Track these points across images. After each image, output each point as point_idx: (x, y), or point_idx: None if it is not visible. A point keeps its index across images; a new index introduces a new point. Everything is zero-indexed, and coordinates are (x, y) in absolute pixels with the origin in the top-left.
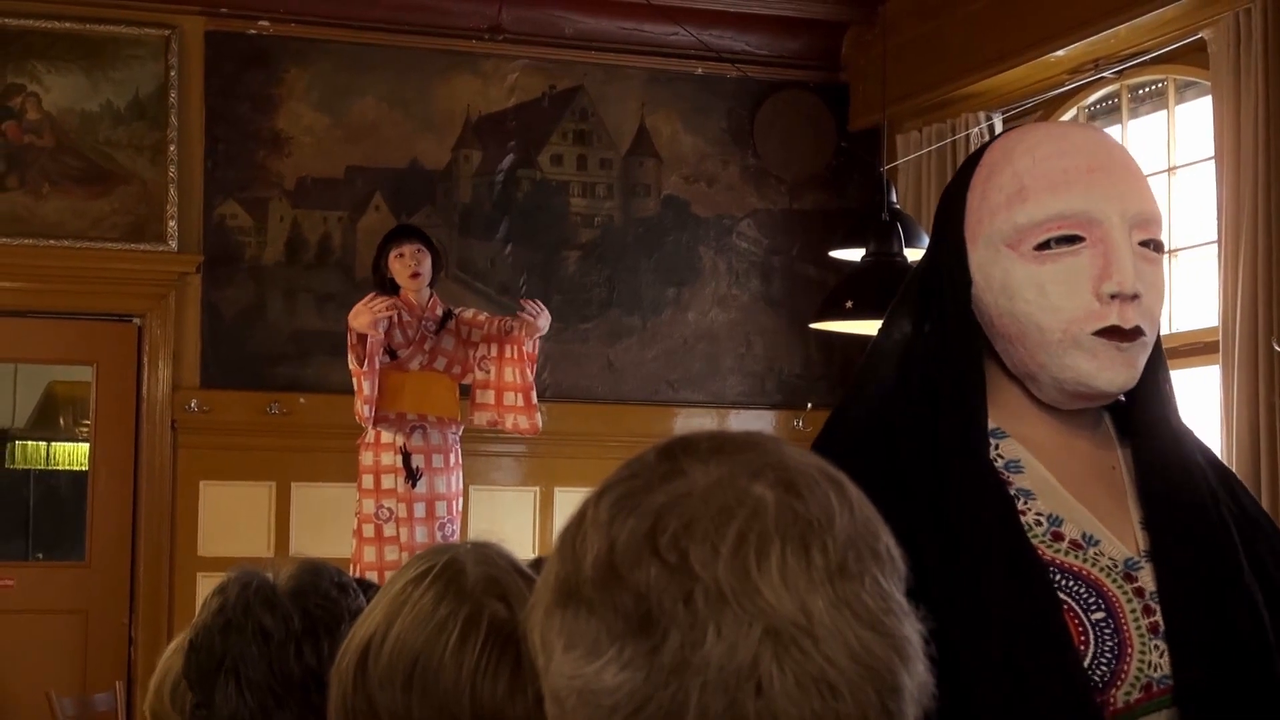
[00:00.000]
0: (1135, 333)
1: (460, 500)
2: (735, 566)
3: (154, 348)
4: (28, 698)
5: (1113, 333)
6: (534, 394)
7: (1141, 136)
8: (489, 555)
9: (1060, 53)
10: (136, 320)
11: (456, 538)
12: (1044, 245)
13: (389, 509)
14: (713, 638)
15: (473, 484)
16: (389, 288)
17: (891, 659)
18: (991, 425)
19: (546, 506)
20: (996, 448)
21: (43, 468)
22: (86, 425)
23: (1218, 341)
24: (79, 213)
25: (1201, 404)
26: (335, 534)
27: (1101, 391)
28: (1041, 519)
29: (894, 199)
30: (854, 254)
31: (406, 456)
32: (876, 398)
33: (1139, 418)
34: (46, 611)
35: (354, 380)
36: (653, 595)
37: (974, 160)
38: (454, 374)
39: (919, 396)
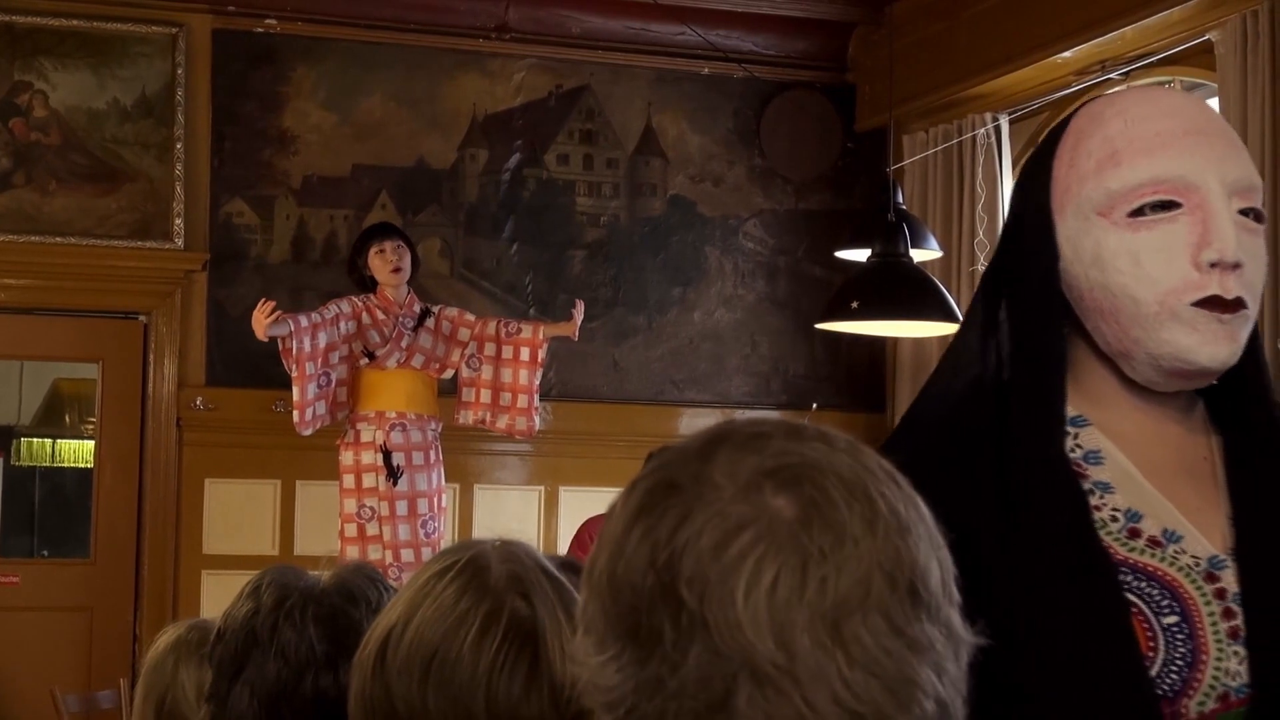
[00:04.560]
0: (1237, 304)
1: (442, 497)
2: (722, 594)
3: (159, 345)
4: (32, 695)
5: (1213, 303)
6: (536, 398)
7: None
8: (514, 553)
9: (1067, 54)
10: (142, 318)
11: (439, 534)
12: (1138, 212)
13: (371, 508)
14: (691, 663)
15: (477, 483)
16: (367, 285)
17: (884, 704)
18: (1073, 413)
19: (551, 505)
20: (1075, 437)
21: (48, 465)
22: (92, 422)
23: None
24: (85, 210)
25: None
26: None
27: (1202, 368)
28: (1118, 514)
29: (900, 199)
30: (860, 254)
31: (387, 455)
32: (949, 392)
33: (1232, 403)
34: (51, 609)
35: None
36: (645, 608)
37: (1059, 131)
38: (432, 370)
39: (992, 383)
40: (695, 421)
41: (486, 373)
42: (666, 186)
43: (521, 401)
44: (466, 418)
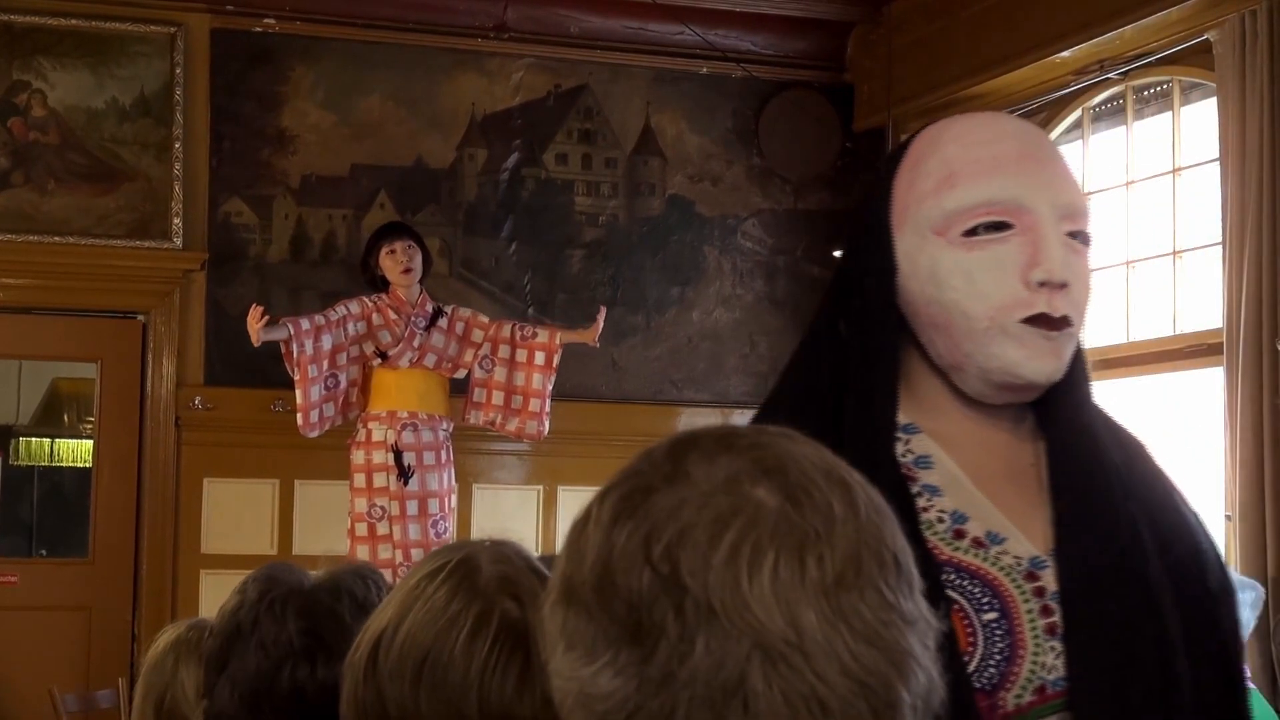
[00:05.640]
0: (1063, 322)
1: (452, 497)
2: (726, 579)
3: (158, 345)
4: (31, 694)
5: (1041, 320)
6: (548, 402)
7: (1146, 138)
8: (505, 554)
9: (1065, 54)
10: (141, 317)
11: (449, 534)
12: (972, 232)
13: (382, 507)
14: (700, 651)
15: (476, 482)
16: (378, 285)
17: (888, 673)
18: (905, 420)
19: (550, 505)
20: (907, 443)
21: (47, 464)
22: (90, 422)
23: (1222, 343)
24: (84, 210)
25: (1205, 406)
26: (338, 532)
27: (1029, 381)
28: (944, 516)
29: None
30: None
31: (398, 454)
32: (792, 395)
33: (1052, 413)
34: (50, 608)
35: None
36: (644, 605)
37: (900, 151)
38: (444, 370)
39: (825, 389)
40: (693, 421)
41: (499, 374)
42: (665, 186)
43: (534, 405)
44: (477, 418)
